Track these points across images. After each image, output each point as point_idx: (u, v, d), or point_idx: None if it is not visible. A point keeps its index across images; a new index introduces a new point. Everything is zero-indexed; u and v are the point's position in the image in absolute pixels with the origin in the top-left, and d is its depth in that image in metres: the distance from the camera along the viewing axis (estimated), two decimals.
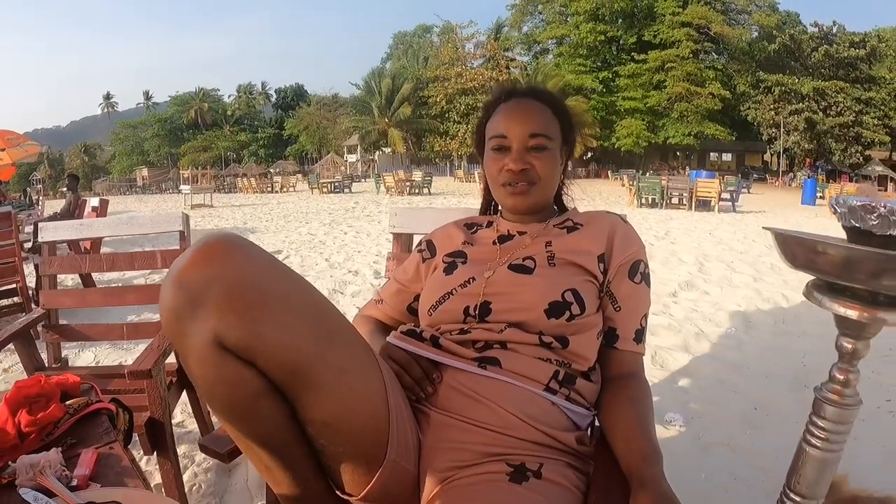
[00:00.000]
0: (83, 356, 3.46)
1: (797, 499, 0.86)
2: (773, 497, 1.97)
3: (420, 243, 1.45)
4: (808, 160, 43.91)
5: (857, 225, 0.70)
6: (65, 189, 8.94)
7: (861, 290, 0.71)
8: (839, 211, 0.72)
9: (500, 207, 1.40)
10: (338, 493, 0.98)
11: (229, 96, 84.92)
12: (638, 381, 1.17)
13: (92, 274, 4.62)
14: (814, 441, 0.83)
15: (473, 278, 1.20)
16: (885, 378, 2.98)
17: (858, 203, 0.69)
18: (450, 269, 1.26)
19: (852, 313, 0.72)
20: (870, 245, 0.67)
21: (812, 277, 0.78)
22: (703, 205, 15.68)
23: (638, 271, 1.21)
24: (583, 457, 1.06)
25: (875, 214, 0.67)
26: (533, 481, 0.95)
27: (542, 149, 1.22)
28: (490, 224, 1.38)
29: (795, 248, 0.75)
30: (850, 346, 0.78)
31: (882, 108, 41.49)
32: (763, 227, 0.86)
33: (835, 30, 45.17)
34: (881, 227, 0.68)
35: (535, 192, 1.24)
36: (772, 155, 48.00)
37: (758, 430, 2.50)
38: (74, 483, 0.95)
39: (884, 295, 0.70)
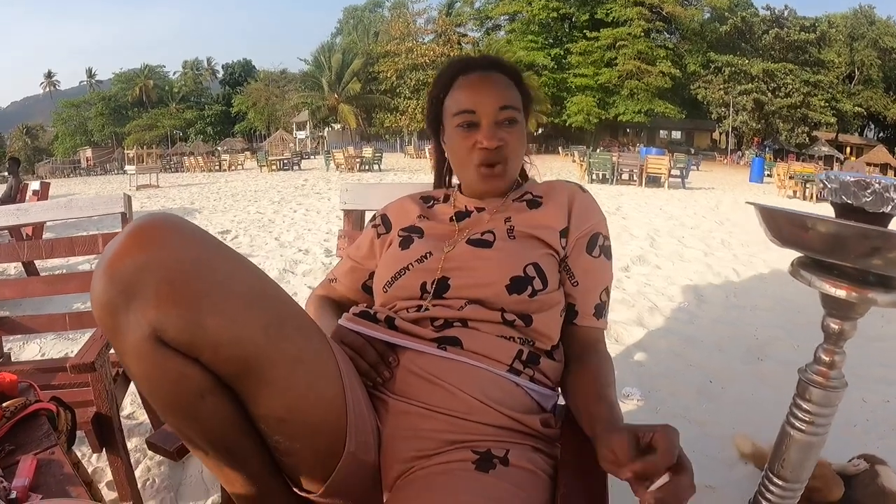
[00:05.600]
0: (28, 349, 3.30)
1: (780, 483, 0.84)
2: (731, 468, 2.03)
3: (374, 218, 1.38)
4: (755, 139, 45.50)
5: (848, 201, 0.67)
6: (6, 173, 8.55)
7: (850, 269, 0.68)
8: (830, 186, 0.68)
9: (454, 181, 1.35)
10: (295, 490, 0.92)
11: (175, 73, 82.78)
12: (598, 354, 1.13)
13: (35, 262, 4.38)
14: (798, 424, 0.81)
15: (430, 253, 1.15)
16: None
17: (852, 179, 0.66)
18: (405, 243, 1.21)
19: (841, 293, 0.69)
20: (859, 223, 0.64)
21: (799, 255, 0.76)
22: (653, 181, 15.96)
23: (597, 244, 1.17)
24: (549, 440, 1.03)
25: (869, 191, 0.64)
26: (500, 468, 0.91)
27: (512, 121, 1.17)
28: (447, 198, 1.32)
29: (783, 224, 0.72)
30: (837, 326, 0.76)
31: (829, 90, 43.43)
32: (747, 202, 0.83)
33: (786, 13, 46.89)
34: (874, 205, 0.65)
35: (509, 172, 1.20)
36: (720, 133, 49.37)
37: (714, 402, 2.54)
38: (14, 496, 0.86)
39: (873, 274, 0.67)
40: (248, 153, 40.06)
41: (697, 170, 25.21)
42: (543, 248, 1.14)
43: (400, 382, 1.01)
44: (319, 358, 0.87)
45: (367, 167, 23.75)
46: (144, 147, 45.74)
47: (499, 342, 1.04)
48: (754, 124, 43.92)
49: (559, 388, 1.13)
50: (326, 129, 54.66)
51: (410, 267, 1.14)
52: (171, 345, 0.73)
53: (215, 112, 72.66)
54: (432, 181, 1.47)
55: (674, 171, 16.06)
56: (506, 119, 1.16)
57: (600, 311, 1.16)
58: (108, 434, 1.59)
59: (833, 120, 43.03)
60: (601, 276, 1.18)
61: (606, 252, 1.19)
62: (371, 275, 1.30)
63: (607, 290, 1.19)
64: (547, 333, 1.09)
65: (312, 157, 40.76)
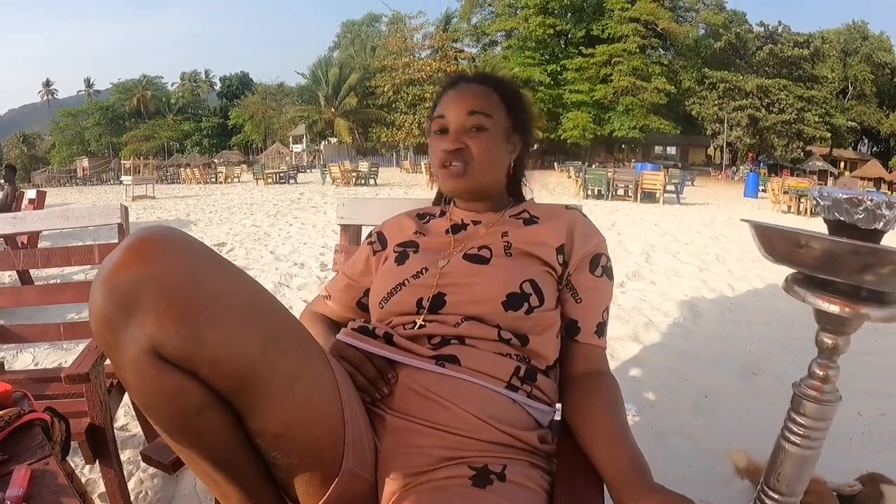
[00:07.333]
0: (22, 358, 3.28)
1: (776, 496, 0.84)
2: (727, 484, 2.03)
3: (370, 235, 1.39)
4: (750, 154, 45.74)
5: (841, 218, 0.68)
6: (2, 181, 8.46)
7: (843, 285, 0.69)
8: (822, 204, 0.69)
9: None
10: None
11: (173, 84, 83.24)
12: (610, 382, 1.11)
13: (31, 270, 4.36)
14: (793, 438, 0.82)
15: (426, 268, 1.15)
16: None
17: (844, 196, 0.67)
18: (401, 258, 1.21)
19: (834, 308, 0.69)
20: (852, 239, 0.66)
21: (792, 271, 0.77)
22: (649, 196, 16.04)
23: (599, 264, 1.18)
24: (546, 455, 1.03)
25: (861, 208, 0.65)
26: (497, 484, 0.90)
27: (480, 128, 1.18)
28: (443, 214, 1.33)
29: (776, 241, 0.73)
30: (830, 341, 0.76)
31: (823, 105, 43.86)
32: (741, 220, 0.84)
33: (780, 30, 47.46)
34: (867, 222, 0.66)
35: (471, 173, 1.19)
36: (715, 149, 49.61)
37: (709, 417, 2.54)
38: None
39: (866, 290, 0.68)
40: (244, 166, 40.10)
41: (692, 185, 25.34)
42: (540, 265, 1.14)
43: (398, 399, 1.01)
44: (317, 374, 0.87)
45: (363, 181, 23.81)
46: (141, 158, 45.89)
47: (496, 359, 1.04)
48: (749, 140, 44.18)
49: (557, 404, 1.13)
50: (323, 142, 54.86)
51: (406, 283, 1.15)
52: (170, 360, 0.73)
53: (212, 124, 72.99)
54: (427, 196, 1.48)
55: (669, 187, 16.15)
56: (473, 126, 1.18)
57: (601, 329, 1.17)
58: (101, 445, 1.58)
59: (827, 135, 43.36)
60: (603, 296, 1.18)
61: (608, 272, 1.20)
62: (366, 292, 1.29)
63: (607, 310, 1.20)
64: (543, 354, 1.10)
65: (309, 170, 40.88)
